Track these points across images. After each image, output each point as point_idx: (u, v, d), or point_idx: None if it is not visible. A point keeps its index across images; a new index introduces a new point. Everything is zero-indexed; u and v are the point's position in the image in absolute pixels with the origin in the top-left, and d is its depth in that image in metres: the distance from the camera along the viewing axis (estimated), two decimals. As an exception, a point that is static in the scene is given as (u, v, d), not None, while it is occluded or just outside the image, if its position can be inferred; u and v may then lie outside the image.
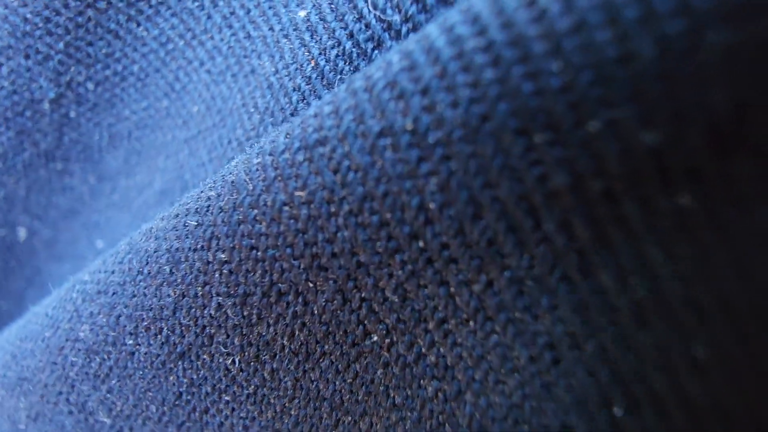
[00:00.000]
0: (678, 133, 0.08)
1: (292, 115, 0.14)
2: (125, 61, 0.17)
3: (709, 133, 0.08)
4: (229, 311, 0.12)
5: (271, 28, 0.15)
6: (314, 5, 0.14)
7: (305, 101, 0.14)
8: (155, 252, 0.13)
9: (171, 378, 0.14)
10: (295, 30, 0.15)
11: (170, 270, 0.13)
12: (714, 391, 0.09)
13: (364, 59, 0.13)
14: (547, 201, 0.09)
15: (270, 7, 0.15)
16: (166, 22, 0.17)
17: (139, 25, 0.17)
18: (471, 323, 0.10)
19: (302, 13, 0.15)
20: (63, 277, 0.20)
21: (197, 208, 0.12)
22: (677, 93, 0.08)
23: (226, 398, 0.13)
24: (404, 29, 0.13)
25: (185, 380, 0.14)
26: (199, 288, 0.12)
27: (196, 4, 0.16)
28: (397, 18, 0.13)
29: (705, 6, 0.08)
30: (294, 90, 0.14)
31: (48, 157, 0.19)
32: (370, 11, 0.13)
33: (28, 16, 0.18)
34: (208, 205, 0.12)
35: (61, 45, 0.18)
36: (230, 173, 0.12)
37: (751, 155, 0.08)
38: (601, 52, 0.08)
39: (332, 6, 0.14)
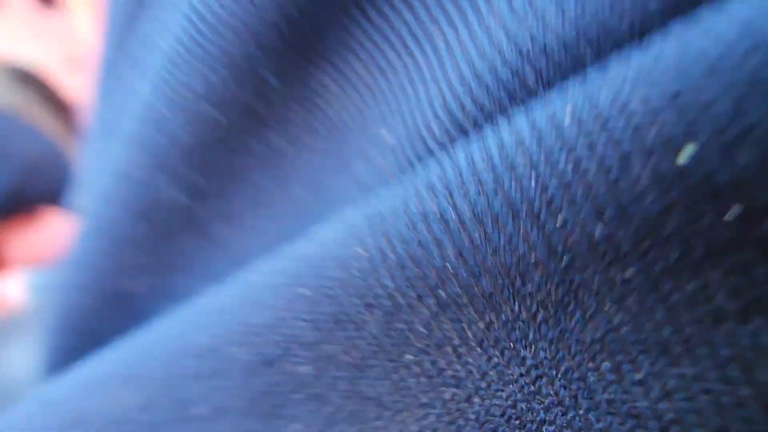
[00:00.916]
0: (620, 227, 0.13)
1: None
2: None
3: None
4: (309, 333, 0.17)
5: (363, 135, 0.19)
6: (398, 132, 0.17)
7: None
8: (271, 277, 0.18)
9: (258, 379, 0.19)
10: (382, 146, 0.18)
11: (270, 297, 0.18)
12: None
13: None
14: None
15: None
16: None
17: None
18: (478, 348, 0.14)
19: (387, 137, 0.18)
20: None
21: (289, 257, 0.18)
22: (621, 198, 0.11)
23: (298, 396, 0.18)
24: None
25: (268, 382, 0.19)
26: (288, 313, 0.18)
27: None
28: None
29: None
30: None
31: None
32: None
33: None
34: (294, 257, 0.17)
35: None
36: (315, 233, 0.17)
37: None
38: None
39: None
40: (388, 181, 0.18)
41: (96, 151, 0.30)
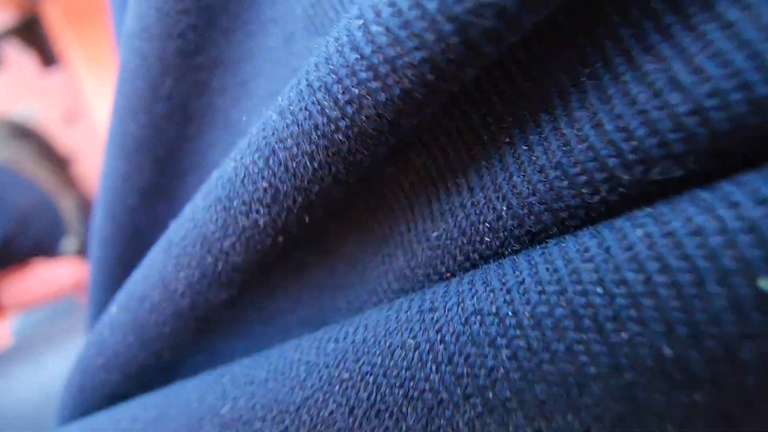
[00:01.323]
0: (690, 347, 0.11)
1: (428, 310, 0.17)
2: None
3: None
4: (341, 418, 0.16)
5: (409, 230, 0.18)
6: (446, 230, 0.17)
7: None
8: (297, 360, 0.17)
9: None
10: (427, 241, 0.18)
11: (305, 375, 0.17)
12: None
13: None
14: None
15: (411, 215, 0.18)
16: None
17: None
18: None
19: (435, 234, 0.17)
20: (202, 364, 0.25)
21: (336, 338, 0.16)
22: (693, 320, 0.11)
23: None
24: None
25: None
26: (321, 394, 0.17)
27: None
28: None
29: None
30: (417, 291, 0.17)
31: None
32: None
33: None
34: (344, 337, 0.16)
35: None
36: (366, 318, 0.16)
37: None
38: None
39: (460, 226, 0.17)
40: (431, 273, 0.18)
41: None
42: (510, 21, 0.12)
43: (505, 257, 0.16)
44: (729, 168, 0.12)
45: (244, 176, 0.17)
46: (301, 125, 0.15)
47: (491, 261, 0.16)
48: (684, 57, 0.12)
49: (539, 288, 0.13)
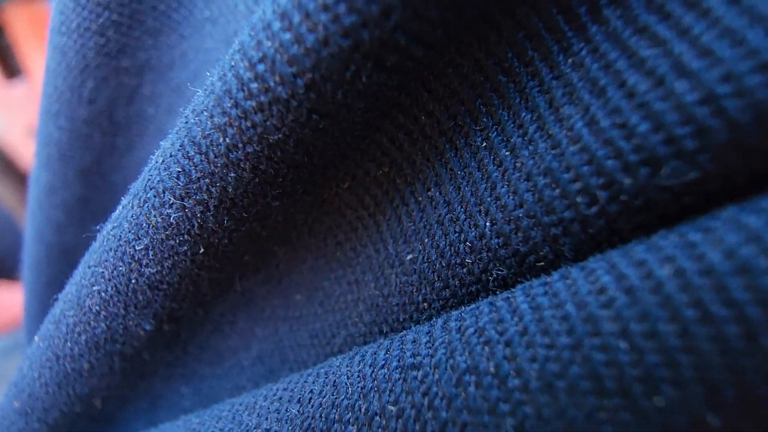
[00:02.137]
0: (743, 417, 0.09)
1: (396, 332, 0.15)
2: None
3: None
4: None
5: (378, 252, 0.16)
6: (421, 251, 0.15)
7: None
8: (255, 428, 0.15)
9: None
10: (401, 265, 0.16)
11: None
12: None
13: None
14: None
15: (378, 234, 0.16)
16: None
17: None
18: None
19: (409, 257, 0.15)
20: (143, 412, 0.22)
21: (299, 398, 0.14)
22: (743, 380, 0.09)
23: None
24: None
25: None
26: None
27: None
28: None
29: None
30: (400, 322, 0.15)
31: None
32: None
33: None
34: (310, 398, 0.14)
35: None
36: (333, 372, 0.14)
37: None
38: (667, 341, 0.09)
39: (439, 251, 0.15)
40: (406, 302, 0.16)
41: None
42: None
43: (489, 284, 0.14)
44: (760, 170, 0.10)
45: (161, 162, 0.15)
46: (216, 94, 0.13)
47: (473, 288, 0.14)
48: (688, 38, 0.10)
49: (548, 341, 0.10)
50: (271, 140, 0.13)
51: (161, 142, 0.15)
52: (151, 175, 0.15)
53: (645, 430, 0.09)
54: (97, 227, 0.28)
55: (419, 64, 0.12)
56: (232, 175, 0.13)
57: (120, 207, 0.17)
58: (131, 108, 0.23)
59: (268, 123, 0.12)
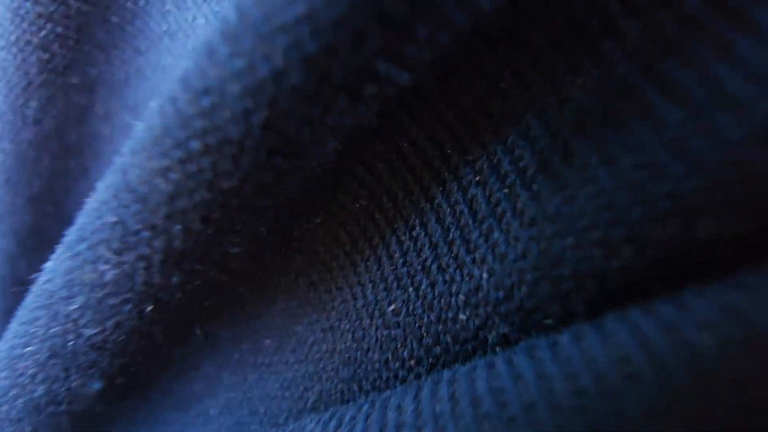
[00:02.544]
0: None
1: (378, 391, 0.14)
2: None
3: None
4: None
5: (355, 298, 0.15)
6: (405, 302, 0.13)
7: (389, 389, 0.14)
8: None
9: None
10: (382, 316, 0.14)
11: None
12: None
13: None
14: None
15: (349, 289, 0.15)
16: None
17: None
18: None
19: (392, 307, 0.14)
20: None
21: None
22: None
23: None
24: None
25: None
26: None
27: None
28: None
29: None
30: (384, 380, 0.14)
31: None
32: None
33: None
34: None
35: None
36: None
37: None
38: None
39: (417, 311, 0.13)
40: (390, 359, 0.14)
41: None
42: None
43: (488, 342, 0.12)
44: None
45: (95, 208, 0.13)
46: (155, 132, 0.11)
47: (469, 346, 0.12)
48: (731, 58, 0.09)
49: (560, 420, 0.09)
50: (224, 186, 0.11)
51: (97, 183, 0.13)
52: (84, 224, 0.13)
53: None
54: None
55: (403, 90, 0.11)
56: (178, 227, 0.11)
57: (53, 257, 0.14)
58: (83, 128, 0.21)
59: (218, 167, 0.10)
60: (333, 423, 0.12)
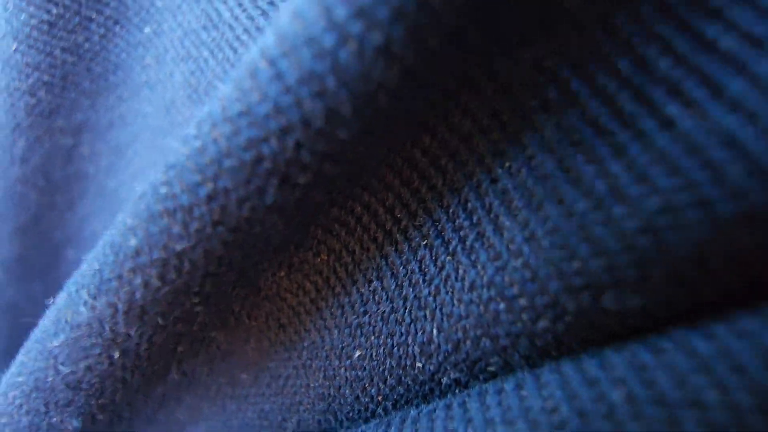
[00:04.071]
0: None
1: (351, 421, 0.15)
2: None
3: None
4: None
5: (323, 339, 0.15)
6: (369, 349, 0.14)
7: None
8: None
9: None
10: (349, 359, 0.15)
11: None
12: None
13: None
14: None
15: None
16: None
17: None
18: None
19: (357, 353, 0.15)
20: None
21: None
22: None
23: None
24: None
25: None
26: None
27: None
28: None
29: None
30: (356, 412, 0.15)
31: None
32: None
33: None
34: None
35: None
36: None
37: None
38: None
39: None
40: (360, 395, 0.15)
41: None
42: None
43: (442, 385, 0.13)
44: (712, 302, 0.09)
45: (91, 258, 0.14)
46: (134, 198, 0.12)
47: (427, 387, 0.14)
48: (624, 158, 0.10)
49: None
50: (177, 249, 0.12)
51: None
52: (80, 270, 0.14)
53: None
54: (37, 287, 0.27)
55: (343, 172, 0.11)
56: (138, 281, 0.13)
57: (56, 299, 0.15)
58: (69, 167, 0.22)
59: (172, 230, 0.11)
60: None
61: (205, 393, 0.19)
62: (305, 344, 0.16)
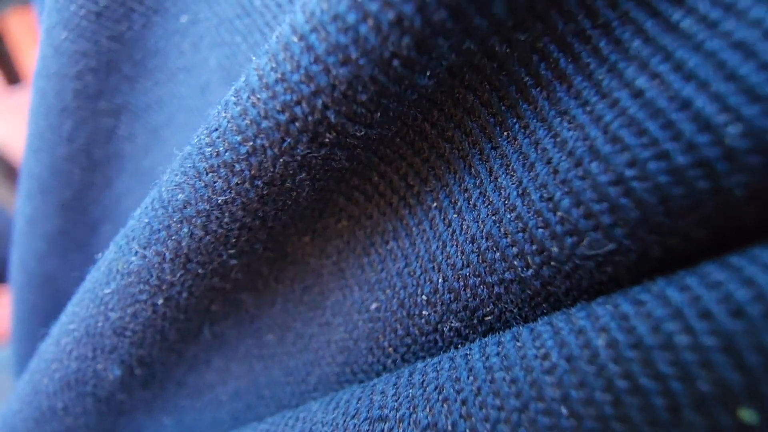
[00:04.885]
0: None
1: (365, 373, 0.16)
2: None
3: None
4: None
5: (345, 297, 0.17)
6: (384, 301, 0.16)
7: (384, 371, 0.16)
8: None
9: None
10: (367, 312, 0.16)
11: None
12: None
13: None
14: None
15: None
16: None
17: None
18: None
19: (374, 305, 0.16)
20: None
21: None
22: None
23: None
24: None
25: None
26: None
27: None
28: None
29: None
30: (370, 364, 0.16)
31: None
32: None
33: None
34: None
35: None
36: (310, 419, 0.15)
37: None
38: None
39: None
40: (374, 347, 0.17)
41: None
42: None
43: (444, 334, 0.15)
44: (680, 249, 0.11)
45: (138, 213, 0.16)
46: (182, 157, 0.14)
47: (431, 337, 0.15)
48: (600, 124, 0.11)
49: (498, 402, 0.11)
50: (219, 201, 0.14)
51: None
52: (129, 225, 0.16)
53: None
54: (76, 258, 0.29)
55: (363, 139, 0.13)
56: (185, 230, 0.14)
57: (105, 251, 0.17)
58: (109, 147, 0.24)
59: (216, 184, 0.13)
60: (331, 405, 0.15)
61: (234, 354, 0.20)
62: (328, 303, 0.18)
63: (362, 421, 0.13)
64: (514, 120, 0.13)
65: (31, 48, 1.00)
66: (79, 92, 0.22)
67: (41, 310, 0.30)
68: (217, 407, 0.21)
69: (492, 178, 0.13)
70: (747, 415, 0.09)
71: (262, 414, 0.20)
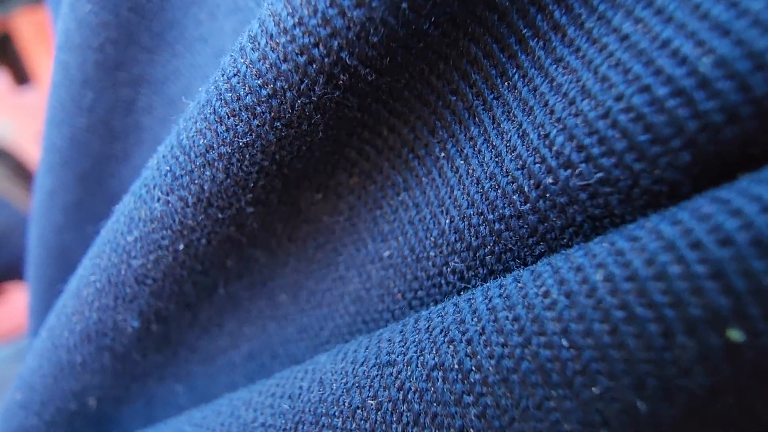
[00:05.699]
0: (666, 403, 0.10)
1: (375, 323, 0.17)
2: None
3: None
4: None
5: (359, 250, 0.18)
6: (396, 248, 0.17)
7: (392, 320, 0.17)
8: (252, 422, 0.16)
9: None
10: (380, 261, 0.17)
11: None
12: None
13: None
14: None
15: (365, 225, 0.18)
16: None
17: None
18: None
19: (387, 253, 0.17)
20: (139, 412, 0.23)
21: (290, 394, 0.15)
22: (664, 372, 0.10)
23: None
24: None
25: None
26: None
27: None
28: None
29: None
30: (379, 312, 0.17)
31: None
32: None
33: None
34: (300, 394, 0.15)
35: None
36: (319, 369, 0.15)
37: None
38: None
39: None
40: (384, 294, 0.17)
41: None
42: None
43: (448, 276, 0.15)
44: (674, 182, 0.11)
45: (156, 162, 0.17)
46: (200, 104, 0.15)
47: (436, 281, 0.16)
48: (590, 67, 0.12)
49: (502, 340, 0.12)
50: (240, 143, 0.14)
51: (159, 148, 0.17)
52: (146, 175, 0.17)
53: (586, 415, 0.11)
54: (91, 232, 0.30)
55: (374, 88, 0.14)
56: (207, 173, 0.15)
57: (120, 203, 0.18)
58: (128, 118, 0.25)
59: (237, 127, 0.14)
60: (340, 355, 0.15)
61: (246, 317, 0.21)
62: (341, 258, 0.18)
63: (371, 368, 0.14)
64: (514, 69, 0.14)
65: (39, 48, 1.02)
66: (100, 64, 0.23)
67: (60, 284, 0.31)
68: (231, 370, 0.22)
69: (495, 125, 0.14)
70: (734, 334, 0.09)
71: (277, 372, 0.21)
